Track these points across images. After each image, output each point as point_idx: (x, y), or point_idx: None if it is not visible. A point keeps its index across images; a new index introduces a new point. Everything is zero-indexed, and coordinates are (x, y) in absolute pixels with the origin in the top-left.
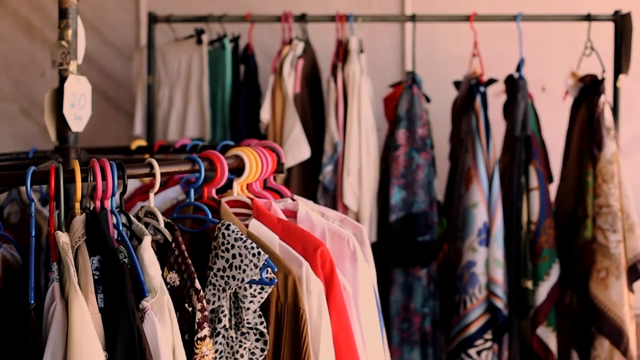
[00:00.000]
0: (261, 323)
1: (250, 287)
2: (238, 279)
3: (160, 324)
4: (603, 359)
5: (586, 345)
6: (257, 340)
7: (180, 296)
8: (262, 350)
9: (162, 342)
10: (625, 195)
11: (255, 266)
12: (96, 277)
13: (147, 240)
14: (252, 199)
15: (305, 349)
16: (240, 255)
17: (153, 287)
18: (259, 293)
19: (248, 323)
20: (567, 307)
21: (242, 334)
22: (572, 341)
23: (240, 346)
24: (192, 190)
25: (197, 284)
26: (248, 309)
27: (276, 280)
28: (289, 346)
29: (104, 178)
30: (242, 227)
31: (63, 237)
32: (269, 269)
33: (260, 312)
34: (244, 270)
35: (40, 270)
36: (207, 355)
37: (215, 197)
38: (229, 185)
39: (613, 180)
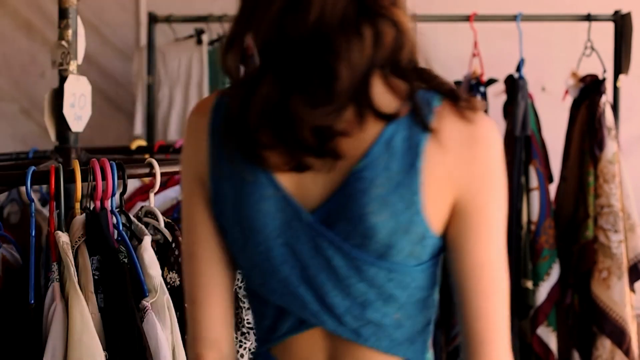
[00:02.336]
0: None
1: None
2: (237, 279)
3: (160, 324)
4: (605, 359)
5: (588, 345)
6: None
7: (180, 296)
8: None
9: (162, 341)
10: (626, 195)
11: None
12: (96, 277)
13: (147, 240)
14: None
15: None
16: None
17: (153, 287)
18: None
19: (248, 323)
20: (569, 307)
21: (242, 334)
22: (574, 341)
23: (241, 346)
24: None
25: None
26: (248, 308)
27: None
28: None
29: (104, 178)
30: None
31: (63, 237)
32: None
33: None
34: None
35: (40, 270)
36: None
37: None
38: None
39: (614, 180)
